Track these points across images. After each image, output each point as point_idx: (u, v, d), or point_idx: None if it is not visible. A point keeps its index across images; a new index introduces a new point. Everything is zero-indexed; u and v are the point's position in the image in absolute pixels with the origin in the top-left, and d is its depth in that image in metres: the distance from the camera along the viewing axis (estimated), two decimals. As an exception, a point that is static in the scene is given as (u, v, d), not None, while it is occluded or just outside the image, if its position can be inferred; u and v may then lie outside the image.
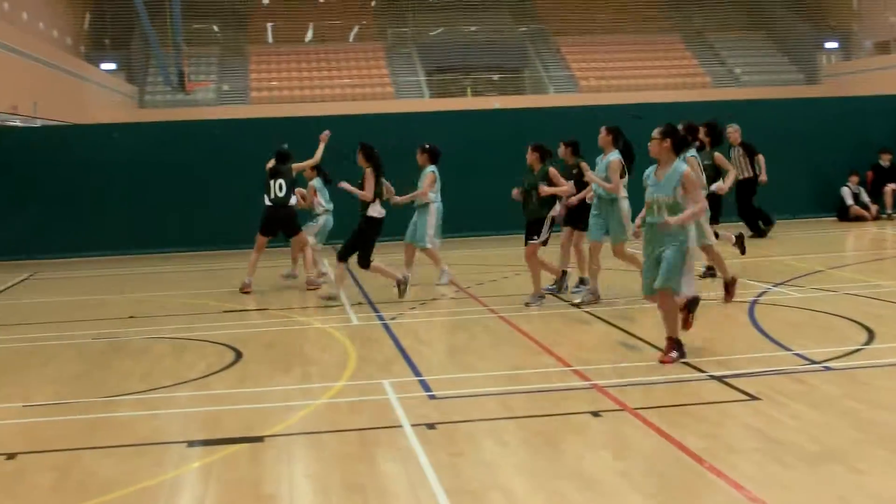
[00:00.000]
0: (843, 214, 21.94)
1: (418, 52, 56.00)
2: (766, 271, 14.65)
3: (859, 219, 21.67)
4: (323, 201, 15.02)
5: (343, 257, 13.12)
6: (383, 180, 13.13)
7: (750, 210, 18.82)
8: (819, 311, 11.43)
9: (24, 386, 9.37)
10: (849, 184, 21.97)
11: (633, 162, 12.08)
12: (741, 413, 7.45)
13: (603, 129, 12.23)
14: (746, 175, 18.12)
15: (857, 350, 9.42)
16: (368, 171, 12.92)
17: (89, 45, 52.17)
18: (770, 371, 8.70)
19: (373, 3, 58.77)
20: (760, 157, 18.24)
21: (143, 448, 7.24)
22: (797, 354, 9.28)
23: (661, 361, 9.08)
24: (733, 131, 17.88)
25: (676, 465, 6.40)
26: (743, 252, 14.71)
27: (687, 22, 58.41)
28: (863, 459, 6.33)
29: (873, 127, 22.65)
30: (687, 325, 9.32)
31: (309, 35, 56.80)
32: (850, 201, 21.92)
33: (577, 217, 12.91)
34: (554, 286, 13.04)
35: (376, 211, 12.97)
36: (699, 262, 13.22)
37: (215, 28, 56.41)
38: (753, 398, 7.80)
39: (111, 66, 51.72)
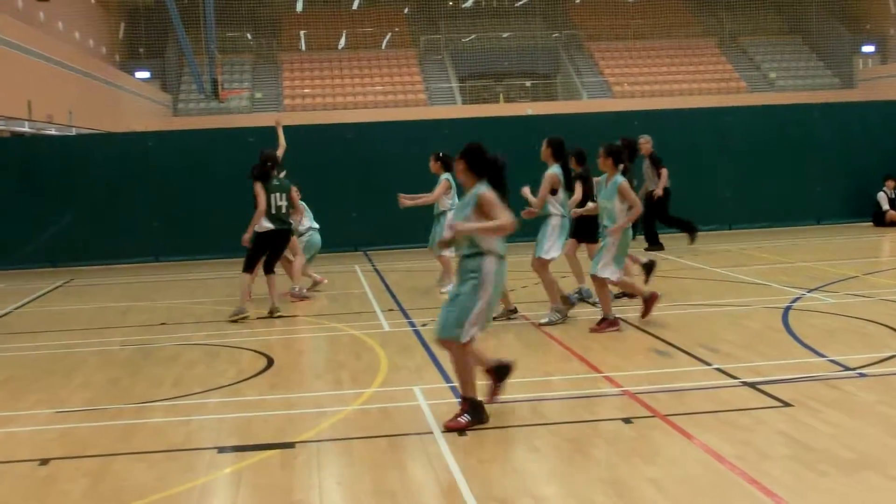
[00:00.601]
0: (879, 219, 21.74)
1: (451, 59, 56.09)
2: (800, 277, 14.54)
3: (895, 224, 21.48)
4: (307, 221, 15.03)
5: (247, 268, 13.05)
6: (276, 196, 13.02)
7: (667, 220, 18.28)
8: (854, 316, 11.33)
9: (57, 392, 9.43)
10: (885, 188, 21.78)
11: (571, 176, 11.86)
12: (774, 419, 7.39)
13: (545, 142, 11.90)
14: (652, 188, 17.75)
15: (893, 356, 9.33)
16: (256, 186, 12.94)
17: (124, 54, 52.64)
18: (804, 377, 8.63)
19: (405, 10, 58.92)
20: (664, 171, 17.68)
21: (175, 454, 7.27)
22: (831, 360, 9.20)
23: (446, 427, 7.53)
24: (644, 143, 17.31)
25: (708, 471, 6.35)
26: (646, 281, 13.04)
27: (721, 27, 58.20)
28: (898, 467, 6.28)
29: (910, 131, 22.44)
30: (494, 393, 7.87)
31: (342, 42, 57.02)
32: (885, 206, 21.72)
33: (584, 229, 12.71)
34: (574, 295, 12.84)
35: (259, 226, 12.90)
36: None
37: (248, 36, 56.77)
38: (787, 405, 7.74)
39: (145, 74, 52.18)
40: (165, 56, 53.18)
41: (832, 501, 5.79)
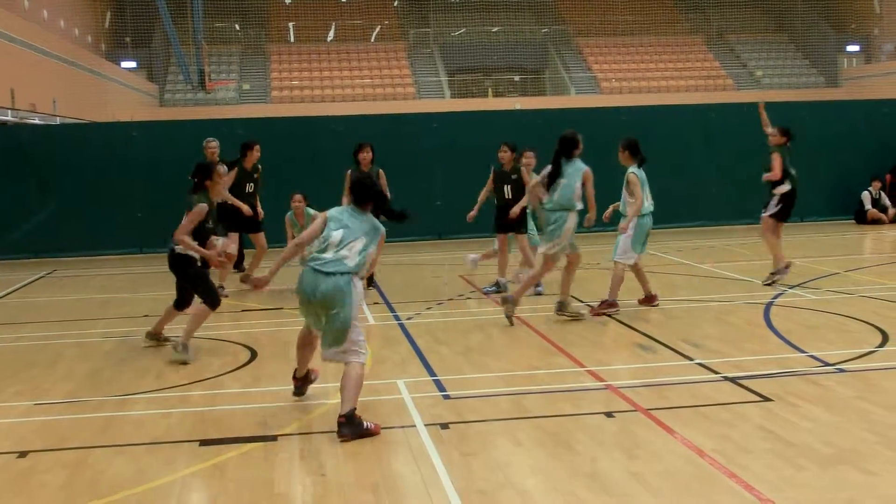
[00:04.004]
0: (861, 217, 21.86)
1: (440, 53, 56.05)
2: (783, 273, 14.58)
3: (876, 222, 21.60)
4: None
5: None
6: None
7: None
8: (834, 313, 11.39)
9: (37, 383, 9.39)
10: (870, 189, 21.88)
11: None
12: (754, 414, 7.43)
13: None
14: None
15: (872, 352, 9.40)
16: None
17: (110, 43, 52.40)
18: (784, 373, 8.68)
19: (395, 3, 58.85)
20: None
21: (156, 447, 7.24)
22: (811, 356, 9.25)
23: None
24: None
25: (689, 466, 6.38)
26: None
27: (708, 24, 58.34)
28: (875, 461, 6.32)
29: (894, 130, 22.53)
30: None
31: (330, 34, 56.91)
32: (868, 205, 21.83)
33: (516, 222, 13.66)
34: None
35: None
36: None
37: (236, 27, 56.63)
38: (766, 399, 7.79)
39: (132, 64, 51.98)
40: (152, 46, 52.95)
41: (810, 496, 5.82)
